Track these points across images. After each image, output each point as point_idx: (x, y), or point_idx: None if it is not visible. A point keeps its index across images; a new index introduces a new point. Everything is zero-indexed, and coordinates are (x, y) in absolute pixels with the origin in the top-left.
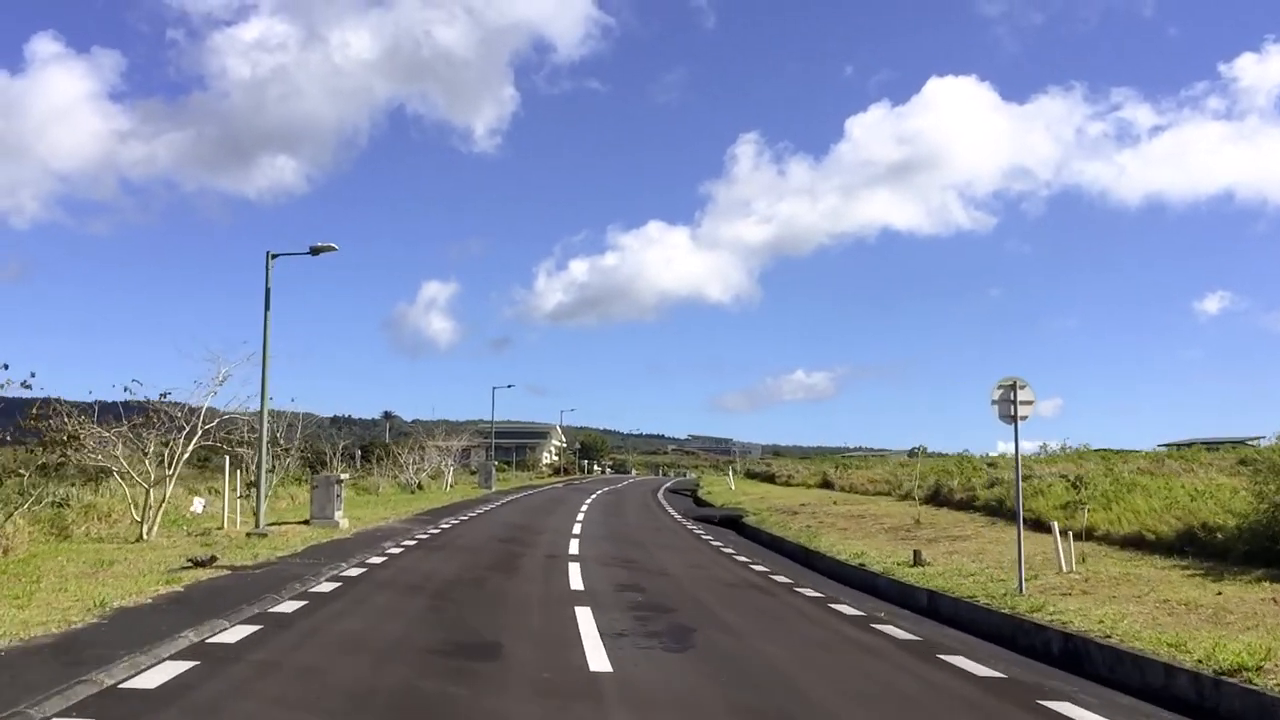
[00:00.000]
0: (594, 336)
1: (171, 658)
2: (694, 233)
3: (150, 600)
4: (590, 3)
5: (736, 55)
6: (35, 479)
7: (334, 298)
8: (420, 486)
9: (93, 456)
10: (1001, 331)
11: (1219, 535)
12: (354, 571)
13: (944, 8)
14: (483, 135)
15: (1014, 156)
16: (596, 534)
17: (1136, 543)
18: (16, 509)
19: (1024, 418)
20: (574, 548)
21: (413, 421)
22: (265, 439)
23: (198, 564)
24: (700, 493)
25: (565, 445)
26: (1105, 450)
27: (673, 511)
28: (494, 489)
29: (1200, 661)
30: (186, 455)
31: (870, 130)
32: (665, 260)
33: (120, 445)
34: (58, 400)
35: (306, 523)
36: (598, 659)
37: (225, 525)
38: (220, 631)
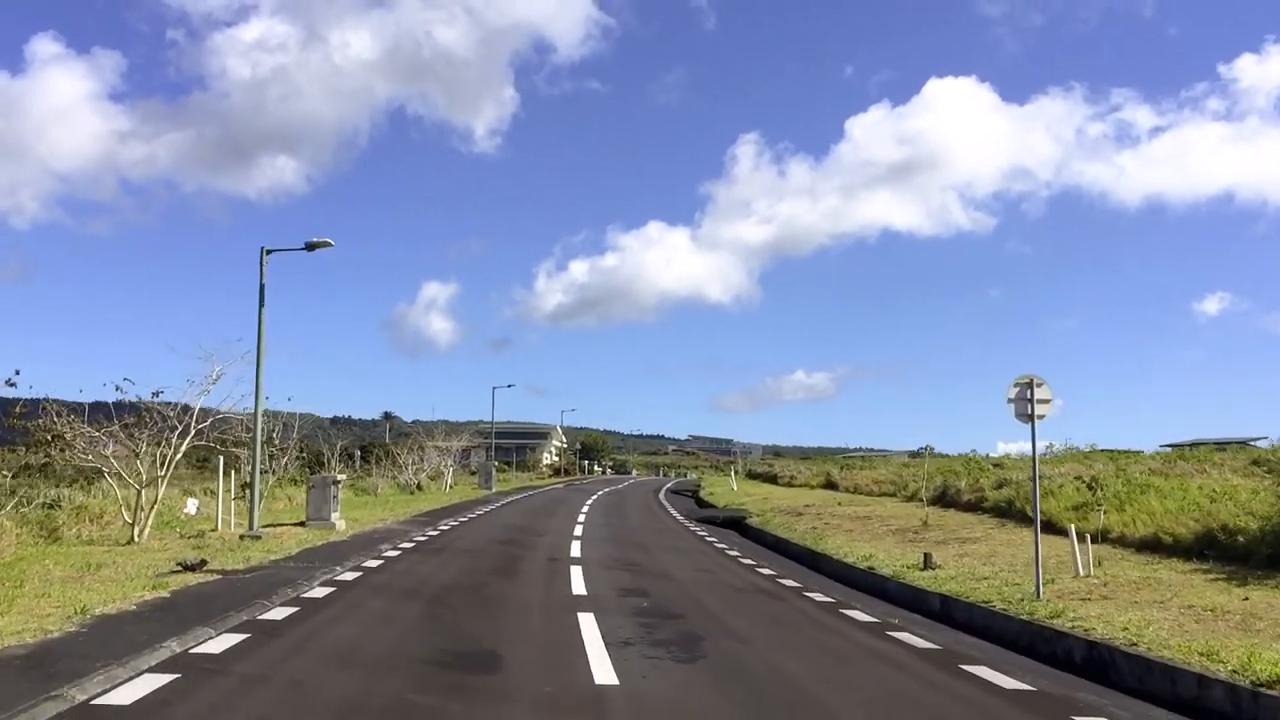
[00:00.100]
0: (594, 337)
1: (151, 670)
2: (694, 233)
3: (134, 607)
4: (590, 3)
5: (736, 56)
6: (21, 480)
7: (334, 298)
8: (419, 487)
9: (83, 457)
10: (1002, 332)
11: (1240, 538)
12: (349, 576)
13: (944, 8)
14: (483, 136)
15: (1014, 157)
16: (598, 536)
17: (1153, 545)
18: (1, 510)
19: (1041, 416)
20: (576, 550)
21: (413, 422)
22: (260, 439)
23: (187, 568)
24: (702, 493)
25: (565, 446)
26: (1111, 451)
27: (675, 513)
28: (494, 490)
29: (1235, 672)
30: (179, 456)
31: (870, 131)
32: (665, 261)
33: (111, 445)
34: (46, 399)
35: (302, 524)
36: (603, 670)
37: (219, 527)
38: (205, 641)
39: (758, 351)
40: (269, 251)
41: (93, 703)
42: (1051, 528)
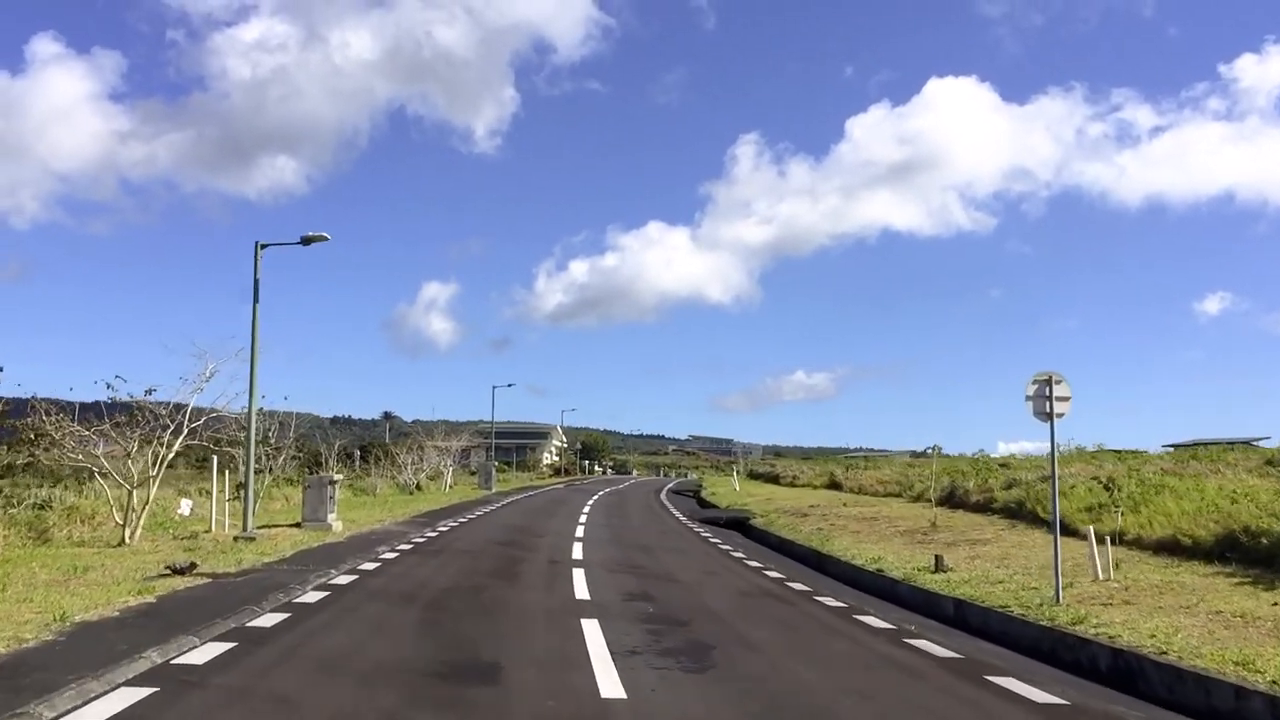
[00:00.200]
0: (594, 337)
1: (128, 683)
2: (694, 233)
3: (117, 613)
4: (590, 3)
5: (737, 56)
6: (9, 479)
7: (334, 298)
8: (419, 487)
9: (72, 456)
10: (1002, 332)
11: (1264, 540)
12: (343, 579)
13: (944, 8)
14: (483, 136)
15: (1014, 157)
16: (600, 537)
17: (1171, 548)
18: None
19: (1061, 415)
20: (577, 552)
21: (413, 422)
22: (253, 438)
23: (176, 571)
24: (704, 493)
25: (566, 445)
26: (1119, 451)
27: (677, 513)
28: (494, 490)
29: (1275, 682)
30: (171, 455)
31: (870, 131)
32: (665, 261)
33: (101, 444)
34: (35, 397)
35: (298, 526)
36: (609, 683)
37: (213, 528)
38: (188, 650)
39: (758, 352)
40: (263, 246)
41: None
42: (1065, 529)
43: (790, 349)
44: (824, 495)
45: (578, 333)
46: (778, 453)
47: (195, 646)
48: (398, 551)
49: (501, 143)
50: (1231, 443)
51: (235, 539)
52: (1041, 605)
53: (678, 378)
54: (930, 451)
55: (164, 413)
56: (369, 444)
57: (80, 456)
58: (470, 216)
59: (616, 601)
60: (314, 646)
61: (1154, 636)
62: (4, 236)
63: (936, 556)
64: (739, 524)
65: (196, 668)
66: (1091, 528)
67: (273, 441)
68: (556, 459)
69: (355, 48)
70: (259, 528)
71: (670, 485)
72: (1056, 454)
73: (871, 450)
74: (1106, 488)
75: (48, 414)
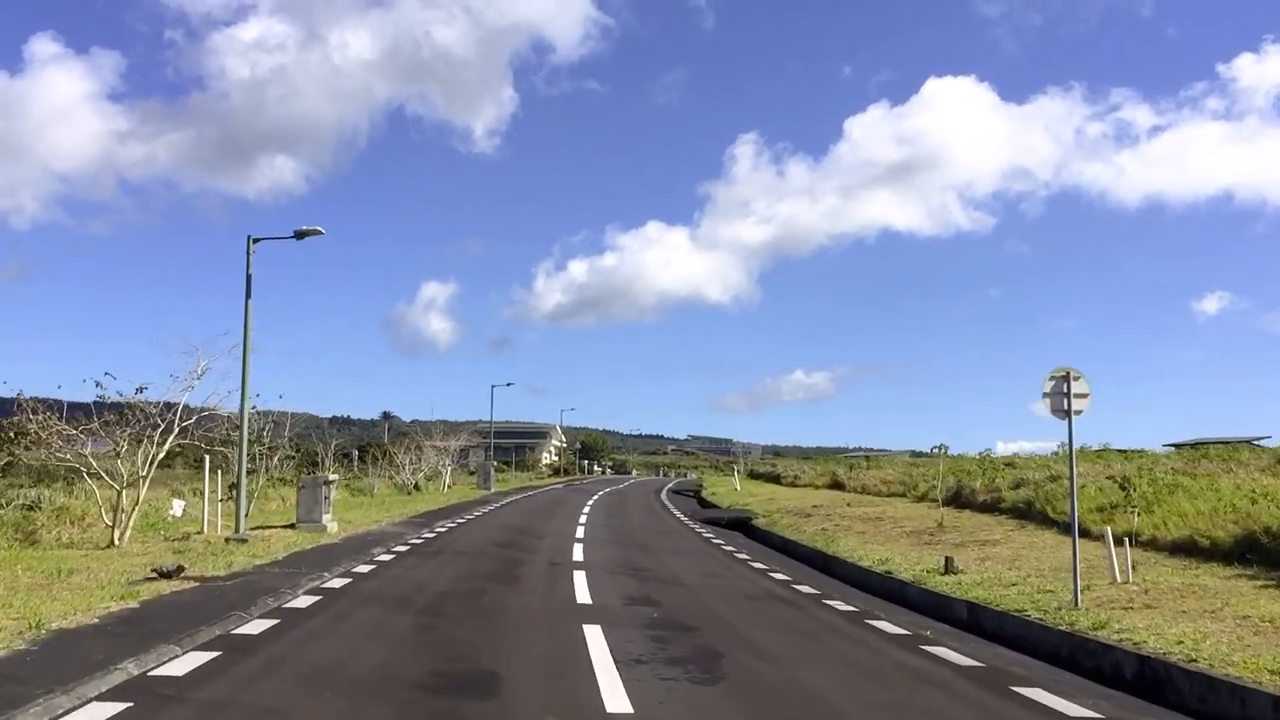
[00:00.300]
0: (593, 337)
1: (100, 697)
2: (693, 233)
3: (96, 620)
4: (589, 3)
5: (736, 56)
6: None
7: (333, 298)
8: (417, 487)
9: (59, 456)
10: (1001, 332)
11: None
12: (337, 583)
13: (943, 8)
14: (482, 136)
15: (1013, 157)
16: (601, 538)
17: (1188, 549)
18: None
19: (1079, 412)
20: (578, 553)
21: (411, 422)
22: (245, 437)
23: (162, 575)
24: (704, 493)
25: (565, 445)
26: (1126, 451)
27: (678, 513)
28: (493, 490)
29: None
30: (161, 454)
31: (869, 131)
32: (664, 261)
33: (89, 444)
34: (20, 395)
35: (292, 527)
36: (614, 695)
37: (205, 529)
38: (168, 661)
39: (757, 351)
40: (256, 240)
41: None
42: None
43: (789, 349)
44: (827, 495)
45: (577, 332)
46: (777, 453)
47: (176, 656)
48: (394, 553)
49: (500, 142)
50: (1232, 442)
51: (227, 541)
52: (1059, 609)
53: (677, 378)
54: (936, 451)
55: (154, 411)
56: (367, 444)
57: (69, 456)
58: (469, 216)
59: (619, 605)
60: (302, 656)
61: (1181, 643)
62: (3, 236)
63: (946, 558)
64: (741, 524)
65: (175, 680)
66: (1108, 528)
67: (266, 441)
68: (555, 459)
69: (354, 47)
70: (252, 529)
71: (670, 485)
72: (1075, 453)
73: (871, 450)
74: (1122, 487)
75: (34, 412)
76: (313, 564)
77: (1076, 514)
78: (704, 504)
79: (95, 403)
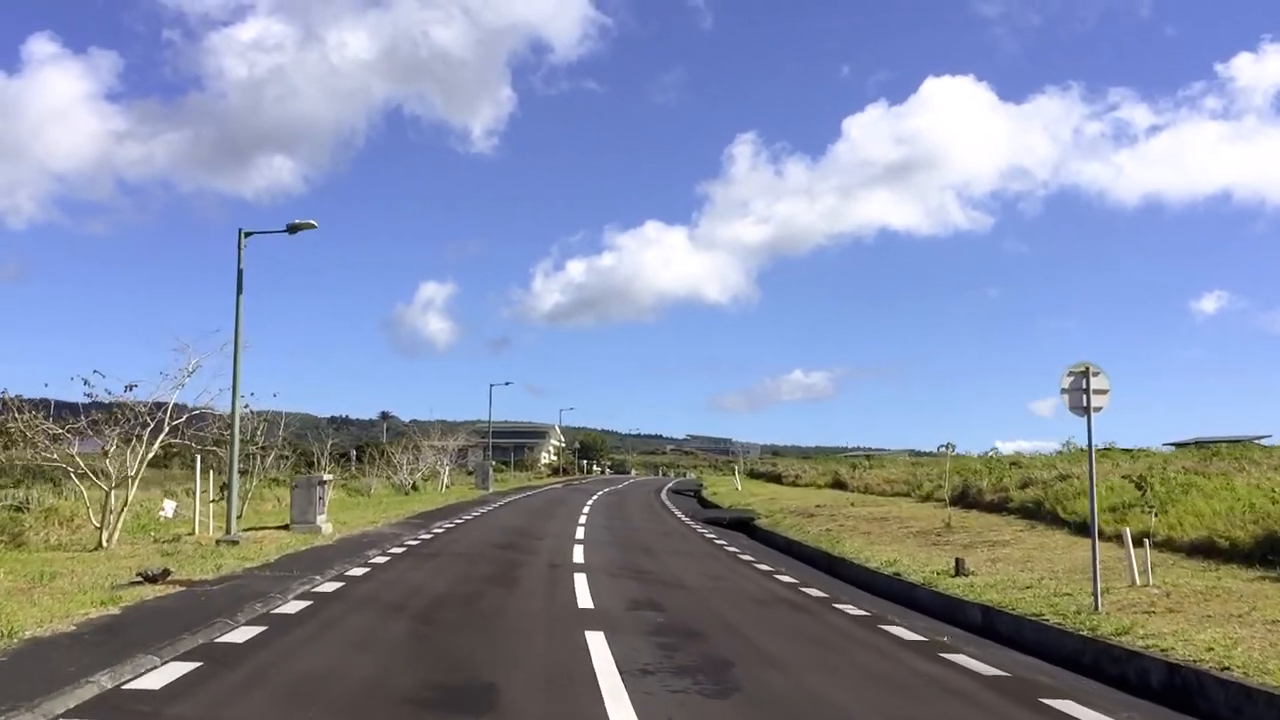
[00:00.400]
0: (592, 337)
1: (68, 714)
2: (691, 233)
3: (73, 628)
4: (588, 3)
5: (734, 55)
6: None
7: (332, 298)
8: (415, 488)
9: (45, 456)
10: (999, 331)
11: None
12: (329, 586)
13: (941, 8)
14: (480, 136)
15: (1011, 156)
16: (601, 539)
17: (1206, 550)
18: None
19: (1098, 409)
20: (578, 555)
21: (410, 422)
22: (237, 435)
23: (148, 579)
24: (704, 493)
25: (564, 445)
26: (1131, 450)
27: (678, 513)
28: (491, 490)
29: None
30: (151, 454)
31: (868, 130)
32: (663, 260)
33: (77, 443)
34: (4, 393)
35: (286, 528)
36: (620, 710)
37: (197, 531)
38: (145, 673)
39: (755, 351)
40: (247, 234)
41: None
42: (1087, 530)
43: (788, 348)
44: (829, 495)
45: (575, 332)
46: (776, 452)
47: (154, 668)
48: (389, 555)
49: (499, 143)
50: (1234, 441)
51: (218, 543)
52: (1079, 613)
53: (675, 377)
54: (943, 450)
55: (143, 410)
56: (365, 444)
57: (55, 456)
58: (467, 216)
59: (622, 610)
60: (288, 667)
61: (1211, 649)
62: (1, 237)
63: (957, 559)
64: (743, 524)
65: (150, 694)
66: (1127, 529)
67: (259, 441)
68: (554, 458)
69: (352, 47)
70: (245, 530)
71: (670, 485)
72: (1094, 451)
73: (870, 450)
74: (1139, 486)
75: (19, 411)
76: (305, 567)
77: (1096, 514)
78: (704, 504)
79: (84, 402)
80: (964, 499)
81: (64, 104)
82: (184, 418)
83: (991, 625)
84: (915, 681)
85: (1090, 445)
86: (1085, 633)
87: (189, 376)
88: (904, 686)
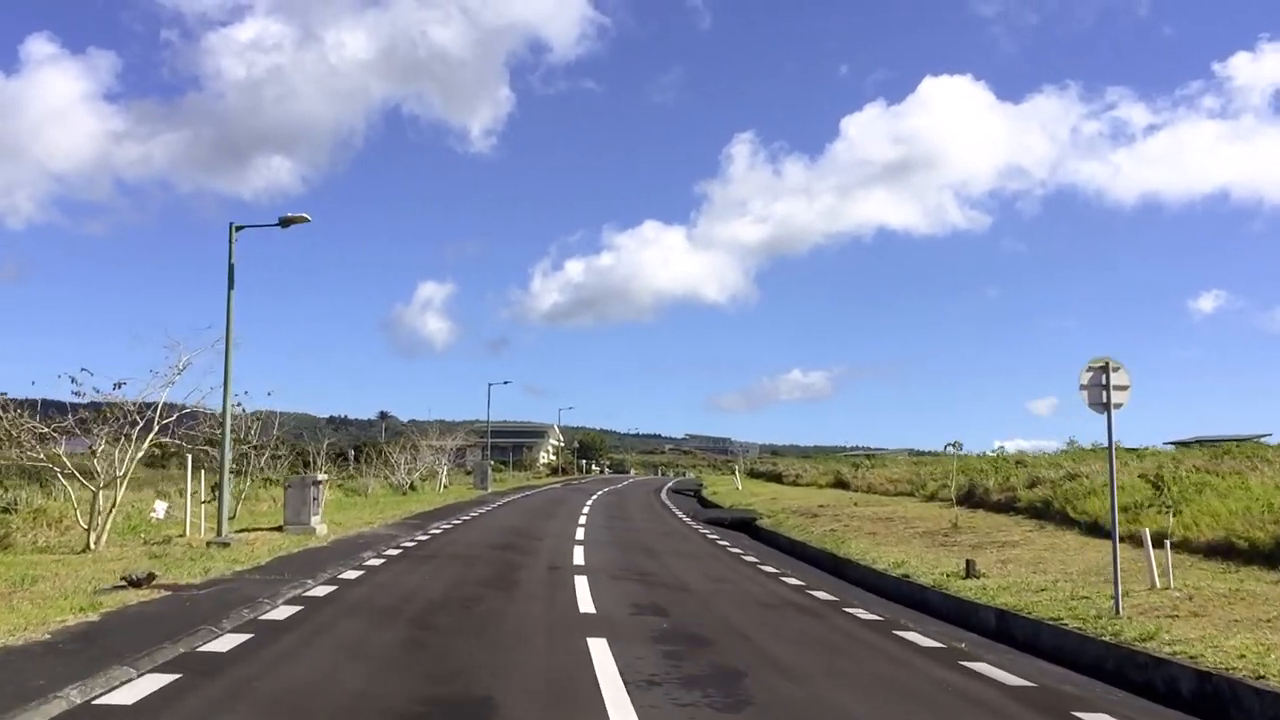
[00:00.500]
0: (590, 336)
1: None
2: (690, 232)
3: (48, 636)
4: (586, 3)
5: (732, 55)
6: None
7: (331, 298)
8: (413, 488)
9: (31, 455)
10: (998, 330)
11: None
12: (321, 591)
13: (939, 7)
14: (478, 135)
15: (1009, 156)
16: (602, 539)
17: (1224, 551)
18: None
19: (1119, 405)
20: (579, 556)
21: (409, 422)
22: (228, 434)
23: (132, 583)
24: (705, 493)
25: (563, 445)
26: (1135, 449)
27: (679, 513)
28: (490, 490)
29: None
30: (140, 454)
31: (866, 130)
32: (661, 260)
33: (64, 443)
34: None
35: (280, 529)
36: None
37: (188, 532)
38: (119, 686)
39: (754, 351)
40: (238, 228)
41: None
42: (1099, 530)
43: (786, 348)
44: (832, 495)
45: (574, 332)
46: (775, 452)
47: (129, 680)
48: (385, 557)
49: (497, 142)
50: (1236, 440)
51: (208, 544)
52: (1099, 617)
53: (674, 377)
54: (950, 448)
55: (132, 409)
56: (364, 444)
57: (42, 455)
58: (466, 216)
59: (625, 615)
60: (273, 678)
61: (1244, 656)
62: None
63: (968, 561)
64: (745, 525)
65: (122, 710)
66: (1146, 530)
67: (252, 440)
68: (553, 458)
69: (350, 47)
70: (238, 531)
71: (670, 484)
72: (1114, 450)
73: (869, 449)
74: (1155, 486)
75: (4, 409)
76: (296, 569)
77: (1117, 514)
78: (705, 504)
79: (72, 401)
80: (970, 499)
81: (62, 104)
82: (174, 416)
83: (1007, 629)
84: (938, 693)
85: (1111, 443)
86: (1108, 638)
87: (179, 374)
88: (927, 699)
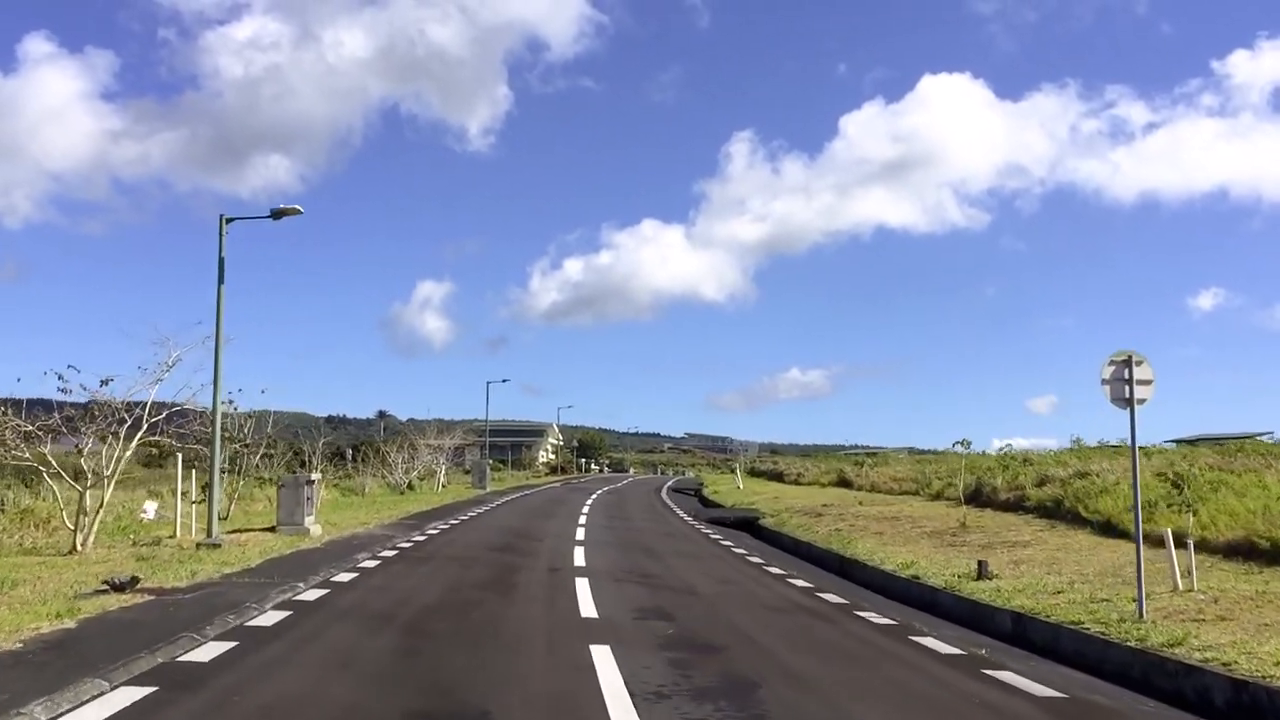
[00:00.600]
0: (589, 335)
1: None
2: (689, 231)
3: (19, 645)
4: (584, 1)
5: (731, 53)
6: None
7: (329, 297)
8: (410, 487)
9: (15, 454)
10: (997, 329)
11: None
12: (311, 595)
13: (938, 6)
14: (477, 134)
15: (1008, 154)
16: (603, 540)
17: (1244, 551)
18: None
19: (1142, 400)
20: (580, 557)
21: (407, 421)
22: (219, 432)
23: (114, 587)
24: (706, 492)
25: (562, 444)
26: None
27: (680, 513)
28: (489, 489)
29: None
30: (129, 452)
31: (864, 128)
32: (660, 259)
33: (49, 442)
34: None
35: (273, 529)
36: None
37: (178, 533)
38: (89, 700)
39: (753, 350)
40: (229, 220)
41: None
42: (1112, 529)
43: (785, 347)
44: (835, 494)
45: (573, 331)
46: (774, 450)
47: (101, 694)
48: (380, 559)
49: (495, 141)
50: (1237, 437)
51: (198, 546)
52: (1122, 621)
53: (673, 376)
54: (958, 446)
55: (120, 406)
56: (362, 443)
57: (27, 455)
58: (465, 215)
59: (629, 620)
60: (256, 691)
61: None
62: None
63: (980, 562)
64: (748, 525)
65: None
66: (1168, 530)
67: (244, 439)
68: (553, 457)
69: (348, 46)
70: (230, 532)
71: (670, 483)
72: (1137, 448)
73: (868, 447)
74: (1175, 484)
75: None
76: (287, 572)
77: (1140, 513)
78: (706, 503)
79: (60, 399)
80: (977, 498)
81: (60, 103)
82: (164, 414)
83: (1024, 634)
84: (965, 705)
85: (1134, 439)
86: (1133, 644)
87: (168, 371)
88: (954, 712)
